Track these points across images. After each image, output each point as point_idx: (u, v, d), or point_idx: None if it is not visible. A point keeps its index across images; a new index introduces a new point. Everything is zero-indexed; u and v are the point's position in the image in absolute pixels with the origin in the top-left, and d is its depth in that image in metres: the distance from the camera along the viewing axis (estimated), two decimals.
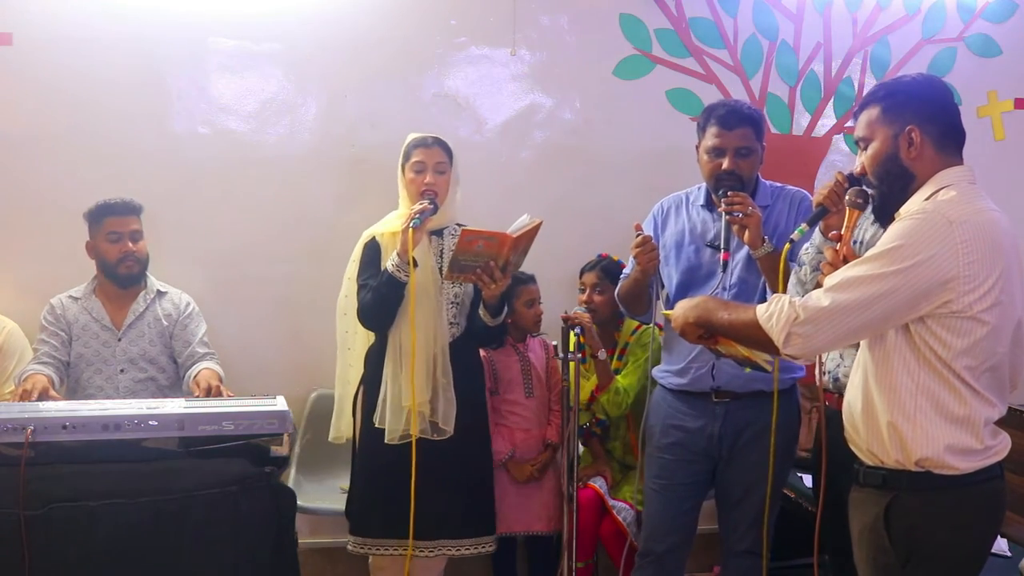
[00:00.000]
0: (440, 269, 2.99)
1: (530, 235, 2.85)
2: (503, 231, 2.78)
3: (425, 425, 2.93)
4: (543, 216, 3.84)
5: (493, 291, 2.88)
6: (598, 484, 3.33)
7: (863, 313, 1.87)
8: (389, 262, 2.89)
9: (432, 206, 2.90)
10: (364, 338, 3.11)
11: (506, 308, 3.03)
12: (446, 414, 2.95)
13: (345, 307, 3.11)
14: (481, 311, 2.98)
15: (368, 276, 2.99)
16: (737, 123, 2.76)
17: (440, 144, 3.03)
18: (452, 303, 3.04)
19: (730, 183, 2.72)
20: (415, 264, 2.87)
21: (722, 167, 2.74)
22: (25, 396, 2.80)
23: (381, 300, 2.91)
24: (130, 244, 3.17)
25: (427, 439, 2.93)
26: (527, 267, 3.42)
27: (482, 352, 3.34)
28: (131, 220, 3.19)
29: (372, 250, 3.03)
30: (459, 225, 3.08)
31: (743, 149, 2.76)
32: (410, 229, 2.81)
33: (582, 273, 3.50)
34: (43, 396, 2.82)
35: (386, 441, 2.94)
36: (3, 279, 3.52)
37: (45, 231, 3.52)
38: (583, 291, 3.45)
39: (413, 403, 2.89)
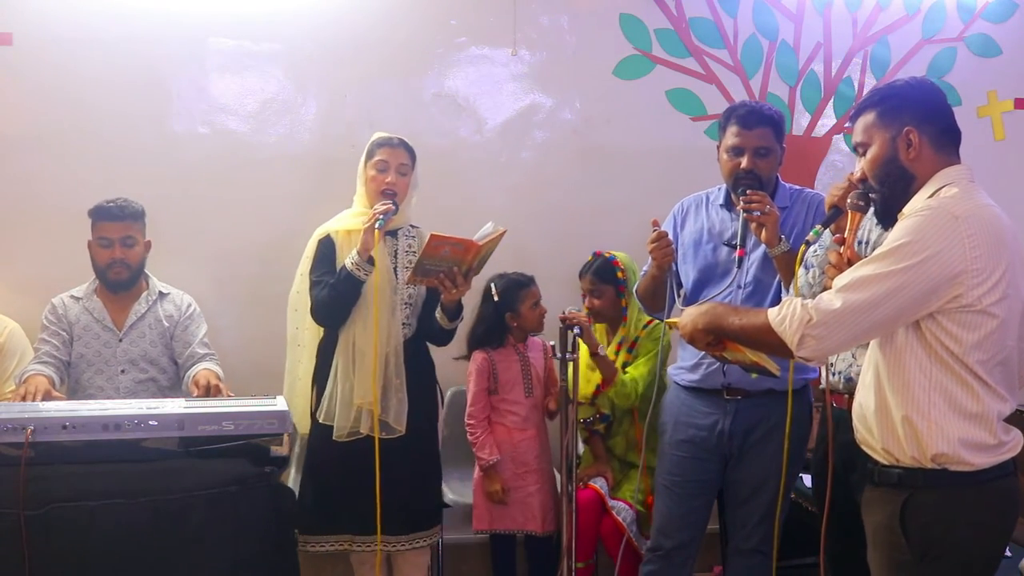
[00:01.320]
0: (395, 269, 3.02)
1: (494, 243, 2.87)
2: (469, 238, 2.80)
3: (373, 423, 2.93)
4: (543, 216, 3.86)
5: (454, 296, 2.90)
6: (599, 484, 3.33)
7: (875, 312, 1.88)
8: (348, 260, 2.90)
9: (394, 207, 2.92)
10: (314, 333, 3.12)
11: (462, 313, 3.04)
12: (398, 413, 2.97)
13: (296, 303, 3.13)
14: (438, 314, 3.00)
15: (322, 273, 2.99)
16: (757, 123, 2.76)
17: (405, 146, 3.05)
18: (406, 303, 3.06)
19: (748, 182, 2.73)
20: (373, 263, 2.88)
21: (741, 166, 2.75)
22: (26, 398, 2.79)
23: (337, 297, 2.92)
24: (119, 250, 3.15)
25: (375, 436, 2.92)
26: (527, 267, 3.43)
27: (483, 353, 3.34)
28: (124, 226, 3.16)
29: (326, 247, 3.04)
30: (413, 227, 3.12)
31: (762, 149, 2.76)
32: (376, 230, 2.83)
33: (581, 276, 3.48)
34: (45, 398, 2.81)
35: (334, 438, 2.96)
36: (3, 279, 3.52)
37: (45, 231, 3.53)
38: (583, 295, 3.45)
39: (376, 401, 2.90)
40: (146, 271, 3.28)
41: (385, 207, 2.89)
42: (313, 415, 3.05)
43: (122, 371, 3.15)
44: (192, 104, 3.66)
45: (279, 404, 2.57)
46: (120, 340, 3.17)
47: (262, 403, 2.58)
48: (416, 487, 3.06)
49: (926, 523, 1.95)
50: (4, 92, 3.51)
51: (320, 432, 3.03)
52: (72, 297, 3.23)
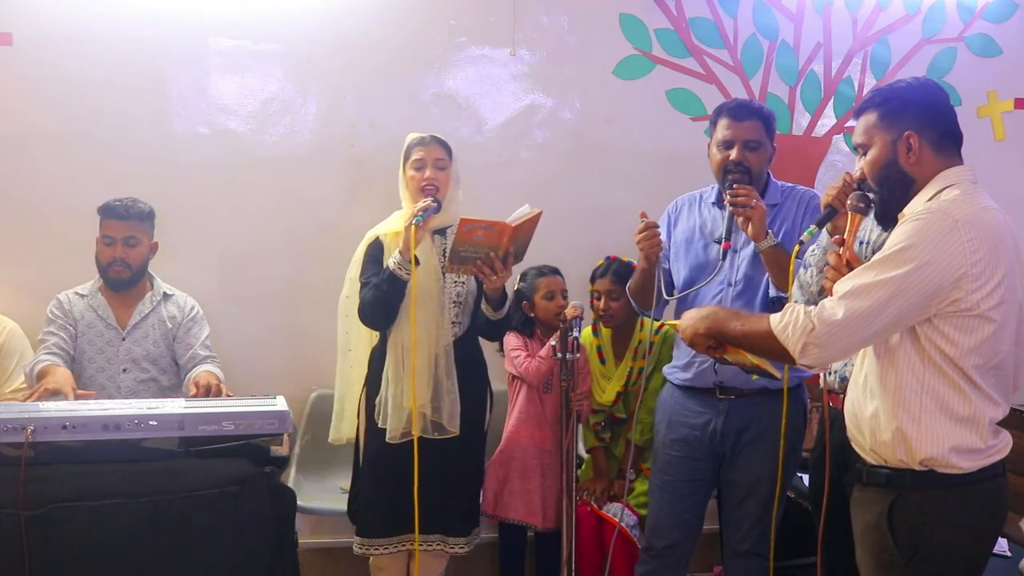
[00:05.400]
0: (443, 269, 2.99)
1: (530, 225, 2.84)
2: (502, 220, 2.78)
3: (426, 424, 2.93)
4: (544, 215, 3.84)
5: (494, 283, 2.87)
6: (591, 500, 3.34)
7: (877, 319, 1.88)
8: (391, 259, 2.88)
9: (435, 204, 2.89)
10: (367, 339, 3.10)
11: (508, 302, 3.02)
12: (451, 414, 2.95)
13: (347, 308, 3.10)
14: (483, 305, 2.97)
15: (371, 275, 2.98)
16: (747, 116, 2.77)
17: (439, 142, 3.04)
18: (455, 302, 3.03)
19: (738, 175, 2.72)
20: (417, 262, 2.86)
21: (730, 158, 2.75)
22: (46, 393, 2.76)
23: (382, 298, 2.90)
24: (121, 249, 3.15)
25: (429, 437, 2.93)
26: (526, 266, 3.44)
27: (515, 332, 3.35)
28: (129, 225, 3.16)
29: (376, 250, 3.03)
30: None
31: (752, 142, 2.76)
32: (412, 226, 2.80)
33: (594, 279, 3.44)
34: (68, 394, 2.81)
35: (387, 440, 2.94)
36: (3, 279, 3.52)
37: (45, 231, 3.53)
38: (598, 298, 3.40)
39: (414, 403, 2.88)
40: (150, 271, 3.28)
41: (424, 204, 2.87)
42: (368, 417, 3.03)
43: (124, 370, 3.15)
44: (192, 104, 3.66)
45: (279, 404, 2.57)
46: (123, 339, 3.17)
47: (262, 403, 2.57)
48: (462, 488, 3.06)
49: (914, 524, 1.96)
50: (4, 92, 3.51)
51: (377, 435, 2.99)
52: (77, 294, 3.23)
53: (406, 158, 3.03)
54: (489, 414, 3.19)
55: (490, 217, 2.82)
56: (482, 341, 3.17)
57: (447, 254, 2.91)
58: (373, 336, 3.08)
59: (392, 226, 3.02)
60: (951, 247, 1.86)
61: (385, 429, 2.96)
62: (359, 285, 3.01)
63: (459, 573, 3.70)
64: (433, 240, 3.01)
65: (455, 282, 3.03)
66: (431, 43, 3.82)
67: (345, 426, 3.13)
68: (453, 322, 3.03)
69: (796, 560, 3.08)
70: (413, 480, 2.85)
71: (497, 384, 3.50)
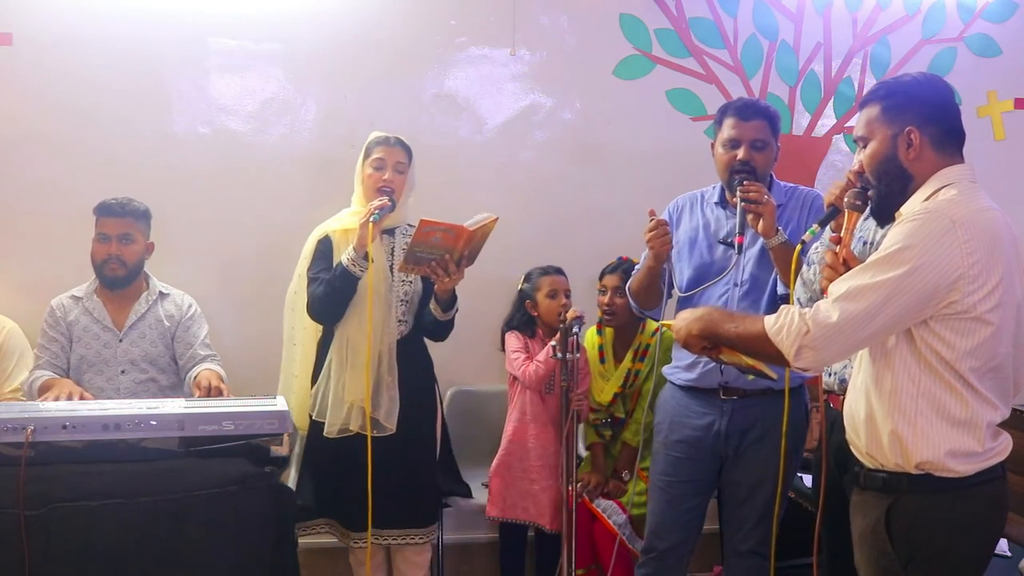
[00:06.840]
0: (391, 267, 3.03)
1: (486, 231, 2.86)
2: (459, 223, 2.79)
3: (364, 420, 2.94)
4: (544, 216, 3.85)
5: (446, 284, 2.90)
6: (584, 492, 3.33)
7: (872, 321, 1.86)
8: (344, 256, 2.91)
9: (391, 203, 2.93)
10: (312, 332, 3.13)
11: (456, 304, 3.03)
12: (388, 412, 2.97)
13: (293, 302, 3.14)
14: (432, 305, 2.99)
15: (319, 270, 3.00)
16: (753, 115, 2.77)
17: (401, 144, 3.07)
18: (402, 301, 3.06)
19: (745, 173, 2.72)
20: (368, 259, 2.88)
21: (737, 157, 2.74)
22: (60, 399, 2.81)
23: (333, 293, 2.92)
24: (115, 246, 3.14)
25: (364, 433, 2.93)
26: (526, 266, 3.44)
27: (516, 332, 3.37)
28: (124, 223, 3.15)
29: (324, 246, 3.05)
30: (410, 225, 3.10)
31: (758, 142, 2.76)
32: (370, 223, 2.83)
33: (603, 275, 3.47)
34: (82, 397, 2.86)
35: (325, 434, 2.98)
36: (3, 279, 3.52)
37: (45, 231, 3.53)
38: (604, 293, 3.43)
39: (367, 396, 2.90)
40: (146, 271, 3.27)
41: (381, 202, 2.90)
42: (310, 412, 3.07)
43: (122, 372, 3.14)
44: (192, 104, 3.66)
45: (279, 404, 2.57)
46: (120, 340, 3.16)
47: (262, 403, 2.58)
48: (410, 484, 3.04)
49: (912, 528, 1.94)
50: (4, 92, 3.51)
51: (316, 428, 3.04)
52: (72, 297, 3.21)
53: (367, 154, 3.05)
54: (439, 413, 3.19)
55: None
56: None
57: (397, 261, 2.94)
58: (317, 329, 3.10)
59: (342, 223, 3.05)
60: (948, 248, 1.84)
61: (320, 422, 2.99)
62: (307, 279, 3.04)
63: (460, 573, 3.71)
64: (382, 239, 3.03)
65: (403, 281, 3.05)
66: (431, 43, 3.82)
67: (293, 418, 3.15)
68: (399, 320, 3.05)
69: (796, 560, 3.08)
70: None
71: (498, 384, 3.51)
